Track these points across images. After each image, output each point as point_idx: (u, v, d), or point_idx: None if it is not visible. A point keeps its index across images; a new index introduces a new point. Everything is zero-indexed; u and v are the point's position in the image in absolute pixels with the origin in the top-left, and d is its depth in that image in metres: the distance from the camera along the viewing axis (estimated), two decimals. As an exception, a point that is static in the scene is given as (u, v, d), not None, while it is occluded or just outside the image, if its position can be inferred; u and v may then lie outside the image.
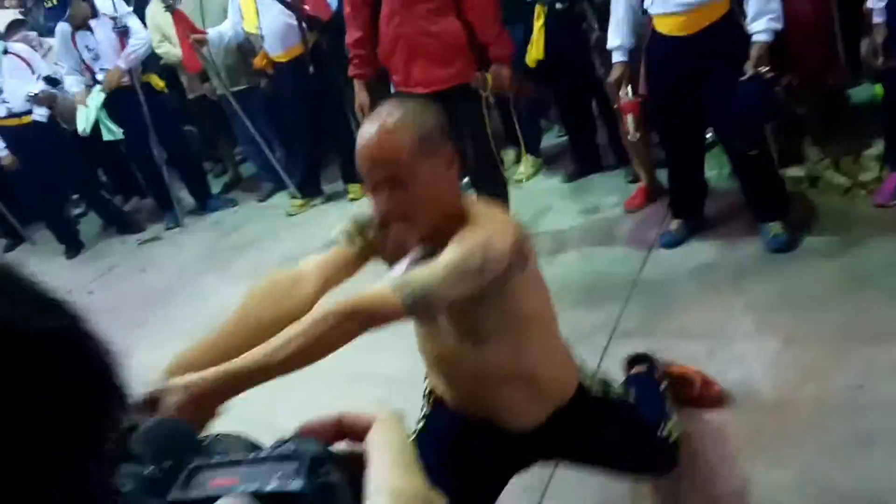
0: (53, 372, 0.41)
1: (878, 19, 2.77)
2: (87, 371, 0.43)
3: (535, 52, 3.75)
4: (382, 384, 2.60)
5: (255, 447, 0.59)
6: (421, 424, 1.75)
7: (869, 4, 2.79)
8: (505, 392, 1.58)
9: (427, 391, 1.79)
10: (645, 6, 2.92)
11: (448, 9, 3.06)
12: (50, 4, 4.67)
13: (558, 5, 3.61)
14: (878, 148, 3.25)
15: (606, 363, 2.56)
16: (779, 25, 2.74)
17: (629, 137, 3.08)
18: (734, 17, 2.79)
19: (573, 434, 1.68)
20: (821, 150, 3.37)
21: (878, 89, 3.25)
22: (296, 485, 0.48)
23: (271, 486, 0.48)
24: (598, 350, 2.61)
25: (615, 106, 3.29)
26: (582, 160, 4.18)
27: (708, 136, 3.41)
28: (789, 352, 2.39)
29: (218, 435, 0.63)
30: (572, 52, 3.67)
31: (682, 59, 2.85)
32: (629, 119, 3.06)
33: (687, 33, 2.80)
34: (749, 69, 2.70)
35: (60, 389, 0.41)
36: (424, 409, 1.78)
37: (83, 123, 4.89)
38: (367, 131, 1.39)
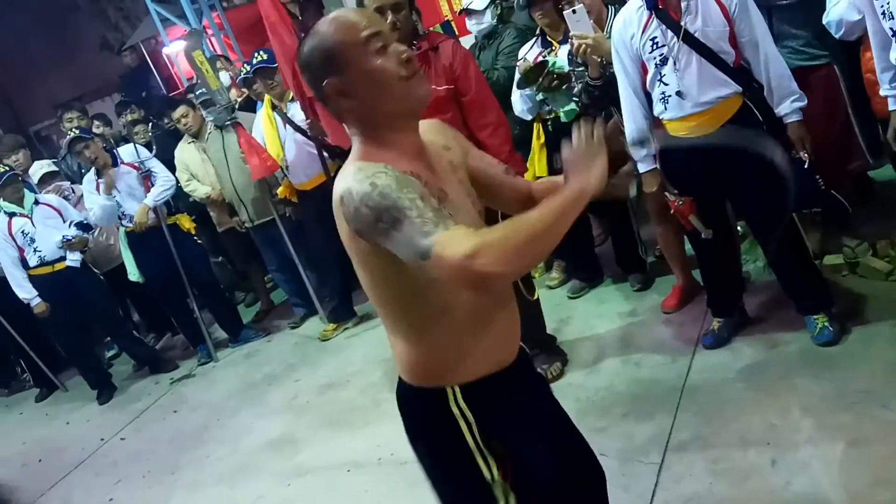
0: None
1: (893, 106, 2.75)
2: None
3: (537, 168, 3.76)
4: None
5: None
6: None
7: (882, 92, 2.78)
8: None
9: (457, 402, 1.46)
10: (656, 113, 2.94)
11: (458, 128, 3.12)
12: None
13: (563, 119, 3.61)
14: (912, 228, 3.20)
15: (664, 478, 2.46)
16: (803, 103, 2.79)
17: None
18: (748, 109, 2.81)
19: None
20: (855, 236, 3.31)
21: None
22: None
23: None
24: (654, 469, 2.51)
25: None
26: (582, 275, 4.17)
27: (739, 228, 3.37)
28: (856, 455, 2.27)
29: None
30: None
31: (701, 157, 2.85)
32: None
33: (704, 134, 2.82)
34: (802, 153, 2.77)
35: None
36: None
37: (133, 274, 5.08)
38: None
